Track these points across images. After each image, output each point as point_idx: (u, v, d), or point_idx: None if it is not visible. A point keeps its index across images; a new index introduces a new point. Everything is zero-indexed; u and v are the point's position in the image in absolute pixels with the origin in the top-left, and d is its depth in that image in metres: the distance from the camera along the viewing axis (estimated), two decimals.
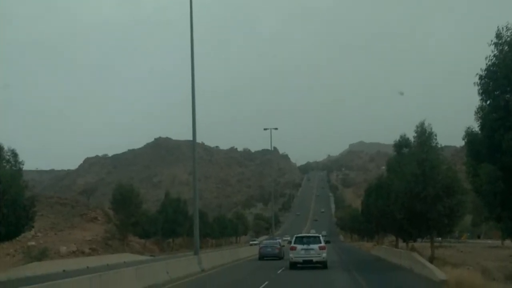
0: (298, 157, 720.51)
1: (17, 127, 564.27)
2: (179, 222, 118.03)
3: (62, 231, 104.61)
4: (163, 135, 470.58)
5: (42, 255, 75.39)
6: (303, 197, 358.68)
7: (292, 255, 44.29)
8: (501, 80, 25.72)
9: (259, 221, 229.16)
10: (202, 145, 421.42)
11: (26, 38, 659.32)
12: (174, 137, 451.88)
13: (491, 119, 26.29)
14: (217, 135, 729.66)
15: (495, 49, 26.09)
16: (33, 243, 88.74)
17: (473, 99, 28.09)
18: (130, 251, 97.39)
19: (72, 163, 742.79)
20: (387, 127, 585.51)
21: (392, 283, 31.64)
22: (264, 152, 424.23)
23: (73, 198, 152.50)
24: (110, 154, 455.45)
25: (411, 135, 51.11)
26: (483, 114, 27.34)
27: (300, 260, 43.68)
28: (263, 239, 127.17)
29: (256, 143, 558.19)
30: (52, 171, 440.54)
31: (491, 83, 26.23)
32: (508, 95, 26.10)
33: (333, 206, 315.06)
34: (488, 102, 26.81)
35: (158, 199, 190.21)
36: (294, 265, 43.88)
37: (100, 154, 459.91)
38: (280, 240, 79.91)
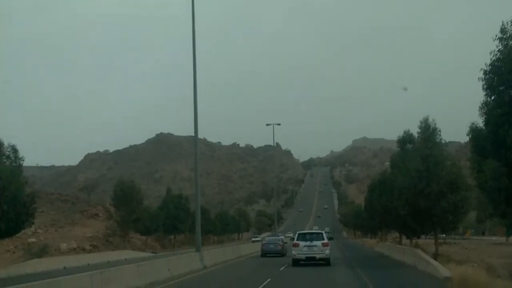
0: (301, 153, 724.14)
1: (17, 123, 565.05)
2: (180, 219, 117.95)
3: (62, 227, 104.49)
4: (165, 131, 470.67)
5: (42, 251, 75.28)
6: (306, 193, 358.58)
7: (294, 252, 44.33)
8: (505, 75, 25.69)
9: (261, 218, 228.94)
10: (204, 140, 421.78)
11: (26, 34, 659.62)
12: (176, 133, 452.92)
13: (496, 114, 26.26)
14: (219, 130, 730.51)
15: (500, 44, 26.04)
16: (33, 239, 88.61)
17: (478, 95, 28.10)
18: (131, 248, 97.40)
19: (72, 159, 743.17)
20: (391, 123, 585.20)
21: (396, 280, 31.65)
22: (267, 148, 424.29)
23: (74, 195, 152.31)
24: (111, 150, 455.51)
25: (415, 130, 51.20)
26: (488, 109, 27.30)
27: (303, 257, 43.72)
28: (266, 236, 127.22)
29: (258, 139, 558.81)
30: (52, 167, 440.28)
31: (495, 78, 26.19)
32: None
33: (336, 202, 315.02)
34: (492, 97, 26.78)
35: (159, 195, 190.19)
36: (296, 262, 43.93)
37: (101, 150, 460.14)
38: (282, 237, 79.95)
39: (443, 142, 47.34)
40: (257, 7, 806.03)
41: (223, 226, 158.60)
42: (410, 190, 45.66)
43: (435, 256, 43.57)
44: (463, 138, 43.31)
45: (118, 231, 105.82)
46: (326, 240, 44.62)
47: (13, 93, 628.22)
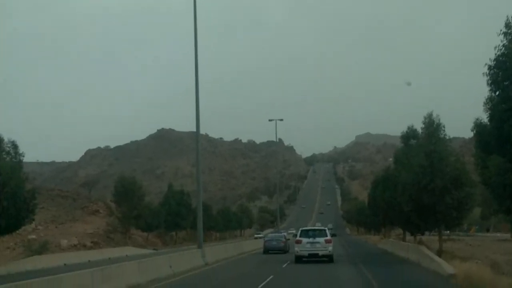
0: (304, 149, 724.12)
1: (18, 118, 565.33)
2: (182, 215, 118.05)
3: (63, 224, 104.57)
4: (166, 127, 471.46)
5: (42, 248, 75.39)
6: (308, 190, 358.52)
7: (297, 249, 44.37)
8: (510, 70, 25.71)
9: (264, 214, 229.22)
10: (206, 136, 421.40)
11: (26, 28, 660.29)
12: (178, 129, 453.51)
13: (500, 110, 26.28)
14: (221, 126, 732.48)
15: (504, 39, 26.06)
16: (33, 236, 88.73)
17: (482, 90, 28.08)
18: (133, 245, 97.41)
19: (73, 155, 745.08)
20: (394, 118, 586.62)
21: (400, 277, 31.66)
22: (269, 143, 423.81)
23: (75, 191, 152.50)
24: (112, 146, 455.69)
25: (418, 126, 51.08)
26: (492, 105, 27.31)
27: (306, 253, 43.76)
28: (268, 232, 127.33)
29: (261, 134, 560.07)
30: (53, 163, 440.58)
31: (500, 73, 26.21)
32: None
33: (339, 198, 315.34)
34: (497, 92, 26.79)
35: (161, 191, 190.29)
36: (299, 259, 43.97)
37: (102, 146, 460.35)
38: (285, 234, 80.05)
39: (447, 137, 47.27)
40: (260, 2, 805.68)
41: (225, 222, 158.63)
42: (414, 186, 45.60)
43: (439, 252, 43.58)
44: (468, 133, 43.15)
45: (119, 228, 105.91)
46: (329, 237, 44.66)
47: (13, 89, 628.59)
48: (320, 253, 43.39)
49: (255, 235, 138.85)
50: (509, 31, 25.95)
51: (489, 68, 26.53)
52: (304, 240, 44.09)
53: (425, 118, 47.00)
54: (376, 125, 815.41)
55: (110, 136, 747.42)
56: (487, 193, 39.93)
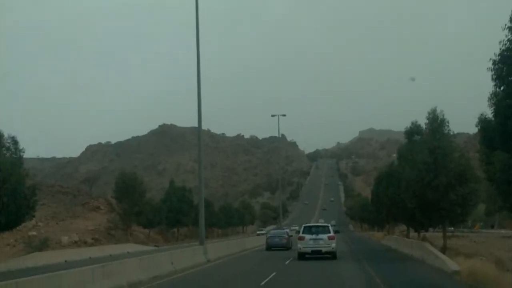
0: (307, 145, 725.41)
1: (18, 114, 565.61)
2: (184, 212, 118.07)
3: (63, 220, 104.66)
4: (168, 122, 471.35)
5: (43, 245, 75.50)
6: (311, 186, 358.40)
7: (300, 245, 44.42)
8: None
9: (266, 210, 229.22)
10: (208, 132, 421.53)
11: (26, 23, 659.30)
12: (179, 124, 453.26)
13: (505, 105, 26.20)
14: (223, 122, 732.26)
15: (509, 33, 25.95)
16: (34, 233, 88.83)
17: (486, 85, 28.04)
18: (134, 241, 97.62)
19: (74, 150, 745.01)
20: (398, 114, 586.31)
21: (403, 274, 31.70)
22: (272, 139, 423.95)
23: (75, 187, 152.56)
24: (113, 142, 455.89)
25: (422, 122, 51.08)
26: (497, 100, 27.24)
27: (309, 250, 43.79)
28: (271, 229, 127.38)
29: (263, 130, 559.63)
30: (53, 158, 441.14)
31: (505, 68, 26.12)
32: None
33: (342, 195, 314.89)
34: (502, 88, 26.70)
35: (162, 187, 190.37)
36: (302, 256, 44.03)
37: (102, 142, 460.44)
38: (288, 230, 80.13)
39: (452, 133, 47.31)
40: None
41: (227, 219, 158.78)
42: (417, 183, 45.58)
43: (443, 249, 43.60)
44: (472, 129, 43.16)
45: (120, 224, 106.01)
46: (332, 233, 44.68)
47: (13, 84, 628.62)
48: (323, 249, 43.43)
49: (258, 232, 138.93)
50: None
51: (494, 63, 26.44)
52: (307, 236, 44.12)
53: (429, 113, 47.02)
54: (380, 121, 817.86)
55: (111, 132, 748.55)
56: (492, 190, 39.89)
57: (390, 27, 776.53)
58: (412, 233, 67.36)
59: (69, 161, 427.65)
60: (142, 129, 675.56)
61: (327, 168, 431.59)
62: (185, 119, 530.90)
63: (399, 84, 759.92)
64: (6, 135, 50.39)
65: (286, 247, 61.52)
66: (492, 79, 26.79)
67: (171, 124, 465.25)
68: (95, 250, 70.35)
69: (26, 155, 54.31)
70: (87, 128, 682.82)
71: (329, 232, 44.40)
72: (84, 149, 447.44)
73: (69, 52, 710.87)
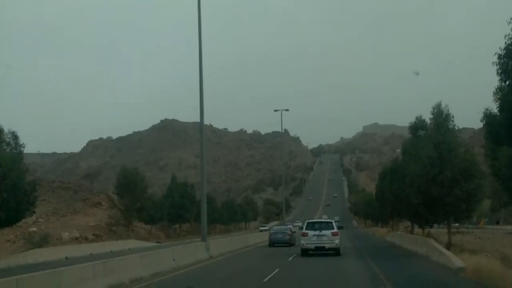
0: (310, 140, 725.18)
1: (18, 108, 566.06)
2: (186, 207, 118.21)
3: (64, 216, 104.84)
4: (170, 117, 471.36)
5: (43, 241, 75.68)
6: (315, 181, 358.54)
7: (303, 242, 44.40)
8: None
9: (269, 206, 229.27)
10: (210, 127, 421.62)
11: (26, 17, 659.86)
12: (181, 119, 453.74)
13: (510, 100, 26.21)
14: (226, 116, 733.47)
15: None
16: (34, 229, 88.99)
17: (492, 79, 28.03)
18: (135, 238, 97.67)
19: (75, 145, 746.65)
20: (402, 109, 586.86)
21: (407, 271, 31.67)
22: (275, 134, 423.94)
23: (76, 182, 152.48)
24: (114, 137, 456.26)
25: (427, 116, 51.12)
26: (502, 94, 27.23)
27: (312, 246, 43.80)
28: (274, 225, 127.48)
29: (266, 125, 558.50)
30: (54, 154, 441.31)
31: (510, 62, 26.09)
32: None
33: (346, 190, 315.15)
34: (507, 82, 26.69)
35: (164, 183, 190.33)
36: (305, 252, 44.01)
37: (104, 137, 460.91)
38: (291, 226, 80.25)
39: (456, 128, 47.26)
40: None
41: (229, 215, 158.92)
42: (422, 178, 45.57)
43: (448, 246, 43.59)
44: (477, 124, 43.28)
45: (121, 220, 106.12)
46: (335, 230, 44.65)
47: (13, 78, 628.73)
48: (327, 246, 43.43)
49: (260, 228, 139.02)
50: None
51: (499, 57, 26.42)
52: (310, 232, 44.10)
53: (433, 108, 47.02)
54: (384, 116, 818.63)
55: (112, 127, 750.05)
56: (497, 185, 39.93)
57: (394, 22, 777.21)
58: (417, 229, 67.41)
59: (70, 156, 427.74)
60: (144, 124, 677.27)
61: (330, 163, 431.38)
62: (187, 114, 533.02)
63: (404, 79, 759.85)
64: (6, 130, 50.54)
65: (289, 244, 61.57)
66: (497, 73, 26.77)
67: (173, 119, 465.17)
68: (96, 246, 70.39)
69: (26, 150, 54.40)
70: (88, 123, 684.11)
71: (333, 228, 44.37)
72: (85, 144, 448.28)
73: (70, 46, 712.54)
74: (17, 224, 61.67)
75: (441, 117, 46.22)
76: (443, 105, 46.64)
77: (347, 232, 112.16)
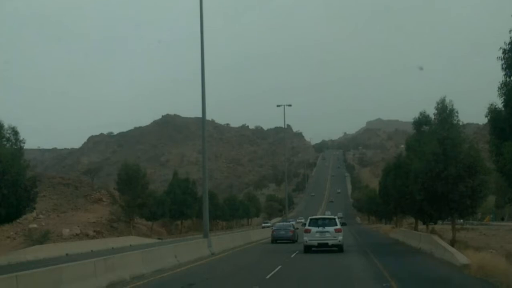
0: (313, 135, 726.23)
1: (18, 104, 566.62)
2: (188, 204, 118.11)
3: (65, 212, 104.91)
4: (171, 112, 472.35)
5: (44, 238, 75.57)
6: (318, 177, 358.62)
7: (306, 238, 44.42)
8: None
9: (271, 203, 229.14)
10: (212, 122, 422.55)
11: (26, 11, 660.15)
12: (183, 114, 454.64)
13: None
14: (228, 112, 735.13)
15: None
16: (34, 225, 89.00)
17: (496, 74, 28.01)
18: (137, 234, 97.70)
19: (75, 141, 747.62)
20: (406, 104, 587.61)
21: (411, 268, 31.65)
22: (277, 130, 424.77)
23: (77, 178, 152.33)
24: (115, 132, 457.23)
25: (431, 112, 50.98)
26: (507, 90, 27.22)
27: (315, 243, 43.81)
28: (276, 221, 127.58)
29: (268, 120, 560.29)
30: (54, 149, 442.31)
31: None
32: None
33: (349, 186, 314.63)
34: None
35: (165, 179, 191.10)
36: (308, 249, 44.08)
37: (105, 132, 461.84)
38: (293, 223, 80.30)
39: (461, 124, 47.14)
40: None
41: (231, 211, 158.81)
42: (426, 174, 45.51)
43: (452, 242, 43.59)
44: (481, 119, 43.07)
45: (122, 217, 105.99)
46: (339, 226, 44.67)
47: (13, 73, 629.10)
48: (330, 242, 43.44)
49: (263, 224, 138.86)
50: None
51: (504, 52, 26.42)
52: (313, 229, 44.13)
53: (437, 103, 46.90)
54: (388, 111, 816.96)
55: (114, 122, 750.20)
56: (502, 181, 39.83)
57: (398, 16, 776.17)
58: (421, 226, 67.44)
59: (71, 152, 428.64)
60: (145, 119, 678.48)
61: (334, 159, 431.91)
62: (189, 109, 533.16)
63: (407, 74, 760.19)
64: (6, 126, 50.40)
65: (292, 240, 61.55)
66: (502, 68, 26.78)
67: (175, 115, 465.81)
68: (97, 243, 70.35)
69: (26, 146, 54.33)
70: (89, 118, 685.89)
71: (336, 225, 44.39)
72: (86, 140, 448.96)
73: (71, 41, 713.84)
74: (18, 220, 61.68)
75: (445, 112, 46.13)
76: (447, 101, 46.54)
77: (351, 228, 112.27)
